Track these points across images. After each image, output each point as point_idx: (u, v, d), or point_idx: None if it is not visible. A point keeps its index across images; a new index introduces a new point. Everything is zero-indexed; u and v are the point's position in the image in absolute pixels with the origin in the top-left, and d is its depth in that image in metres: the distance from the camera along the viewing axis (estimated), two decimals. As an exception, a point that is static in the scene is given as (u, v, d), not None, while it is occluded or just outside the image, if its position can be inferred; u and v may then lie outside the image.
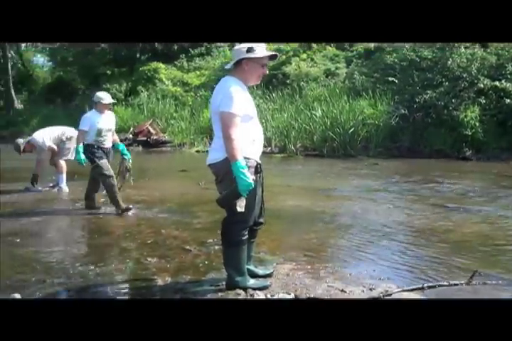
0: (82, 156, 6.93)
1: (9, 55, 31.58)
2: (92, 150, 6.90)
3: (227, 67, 3.72)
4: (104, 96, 7.03)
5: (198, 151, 16.45)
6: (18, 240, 5.45)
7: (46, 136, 8.98)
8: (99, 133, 6.93)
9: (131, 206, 6.88)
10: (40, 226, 6.22)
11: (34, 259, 4.80)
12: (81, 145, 6.95)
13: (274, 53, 3.69)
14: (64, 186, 8.89)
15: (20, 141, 9.19)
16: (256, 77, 3.67)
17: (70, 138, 9.03)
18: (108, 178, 6.84)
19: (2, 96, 32.26)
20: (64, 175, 8.93)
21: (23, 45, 37.82)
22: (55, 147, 8.94)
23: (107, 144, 7.08)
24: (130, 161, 7.21)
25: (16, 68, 33.59)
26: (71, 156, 8.96)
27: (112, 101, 7.19)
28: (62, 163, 8.91)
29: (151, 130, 18.41)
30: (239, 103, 3.43)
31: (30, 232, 5.89)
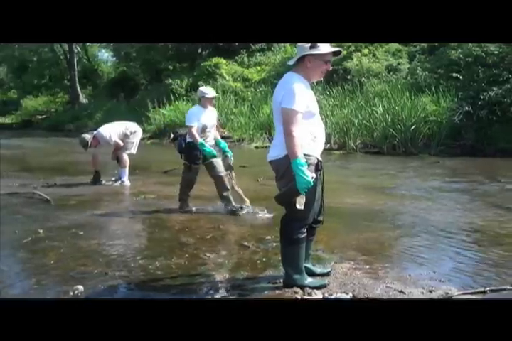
0: (210, 148, 6.56)
1: (75, 51, 32.39)
2: (195, 147, 6.58)
3: (290, 63, 3.68)
4: (208, 91, 6.73)
5: (256, 147, 16.48)
6: (82, 233, 5.59)
7: (112, 131, 9.16)
8: (203, 129, 6.66)
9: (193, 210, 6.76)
10: (102, 220, 6.36)
11: (96, 252, 4.92)
12: (201, 139, 6.53)
13: (337, 49, 3.64)
14: (126, 180, 9.07)
15: (87, 136, 9.36)
16: (319, 73, 3.63)
17: (134, 132, 9.21)
18: (221, 178, 6.74)
19: (68, 91, 33.16)
20: (126, 170, 9.11)
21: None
22: (121, 142, 9.10)
23: (211, 141, 6.79)
24: (232, 159, 6.86)
25: (82, 63, 34.45)
26: (133, 150, 9.14)
27: (215, 95, 6.93)
28: (126, 157, 9.07)
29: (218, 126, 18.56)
30: (301, 100, 3.41)
31: (93, 225, 6.04)
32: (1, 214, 6.75)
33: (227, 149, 6.81)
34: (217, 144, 6.91)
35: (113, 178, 9.36)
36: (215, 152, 6.62)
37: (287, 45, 23.23)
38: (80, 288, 3.80)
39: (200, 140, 6.51)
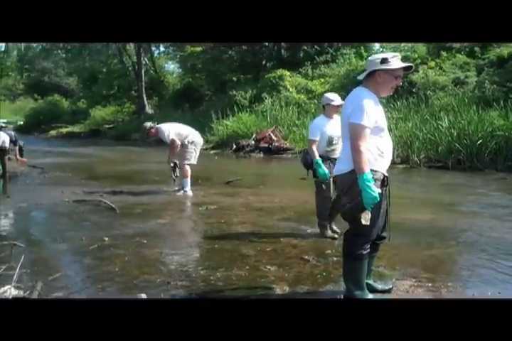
0: (325, 169, 5.68)
1: (143, 62, 33.19)
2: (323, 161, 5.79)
3: (360, 77, 3.68)
4: (334, 98, 5.96)
5: (318, 159, 16.42)
6: (146, 241, 5.71)
7: (172, 129, 9.26)
8: (330, 141, 5.90)
9: (336, 236, 5.89)
10: (165, 229, 6.48)
11: (159, 261, 5.01)
12: (318, 157, 5.77)
13: (409, 65, 3.61)
14: (189, 190, 9.18)
15: (148, 124, 9.60)
16: (389, 88, 3.62)
17: (192, 143, 9.25)
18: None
19: (135, 102, 33.96)
20: (188, 180, 9.22)
21: (156, 52, 39.74)
22: (178, 142, 9.09)
23: (338, 154, 5.52)
24: None
25: (149, 74, 35.24)
26: (194, 161, 9.23)
27: (342, 102, 5.80)
28: (187, 167, 9.19)
29: (273, 137, 18.63)
30: (369, 115, 3.41)
31: (156, 234, 6.16)
32: (68, 220, 6.99)
33: None
34: None
35: (176, 188, 9.49)
36: (328, 175, 5.67)
37: (352, 56, 23.13)
38: (143, 296, 3.88)
39: (317, 158, 5.77)
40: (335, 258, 4.94)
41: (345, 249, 3.69)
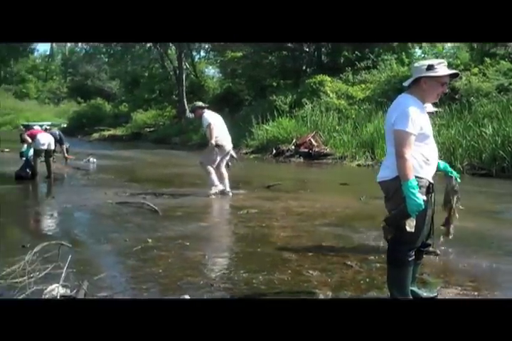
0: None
1: (184, 67, 33.52)
2: None
3: (406, 84, 3.66)
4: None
5: (359, 165, 16.34)
6: (188, 243, 5.76)
7: (214, 121, 9.36)
8: None
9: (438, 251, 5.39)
10: (207, 232, 6.54)
11: (202, 263, 5.07)
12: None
13: (455, 72, 3.59)
14: (219, 190, 9.29)
15: (200, 103, 9.99)
16: (434, 95, 3.60)
17: (218, 146, 9.25)
18: None
19: (176, 106, 34.30)
20: (212, 176, 9.26)
21: (197, 57, 40.11)
22: (213, 143, 9.15)
23: None
24: (458, 181, 4.61)
25: (190, 79, 35.55)
26: (211, 164, 9.26)
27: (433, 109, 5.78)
28: (207, 166, 9.27)
29: (313, 142, 18.58)
30: (415, 122, 3.39)
31: (198, 237, 6.21)
32: (112, 222, 7.10)
33: (450, 169, 4.49)
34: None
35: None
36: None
37: (393, 62, 22.92)
38: (187, 298, 3.92)
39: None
40: (378, 265, 4.91)
41: (389, 256, 3.67)
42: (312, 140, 18.67)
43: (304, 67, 27.36)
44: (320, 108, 20.98)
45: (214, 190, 9.22)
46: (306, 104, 21.57)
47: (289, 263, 5.05)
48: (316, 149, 18.23)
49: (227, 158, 9.66)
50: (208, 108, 9.88)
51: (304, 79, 24.31)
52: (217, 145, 9.25)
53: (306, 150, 18.37)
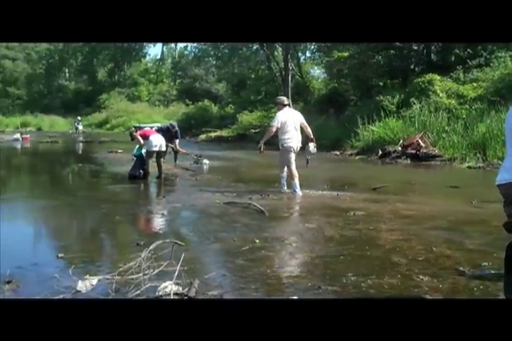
0: None
1: (290, 68, 33.69)
2: None
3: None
4: None
5: (469, 167, 15.74)
6: (295, 245, 5.80)
7: (282, 120, 9.71)
8: None
9: None
10: (313, 233, 6.52)
11: (309, 264, 5.07)
12: None
13: None
14: (298, 191, 9.57)
15: (283, 98, 10.49)
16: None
17: (282, 145, 9.70)
18: None
19: (281, 107, 34.53)
20: (296, 181, 9.61)
21: (302, 58, 40.20)
22: (272, 130, 9.76)
23: None
24: None
25: (295, 80, 35.68)
26: (282, 166, 9.81)
27: None
28: (287, 169, 9.72)
29: (421, 143, 18.10)
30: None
31: (304, 237, 6.23)
32: (220, 221, 7.25)
33: None
34: None
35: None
36: None
37: (508, 60, 21.88)
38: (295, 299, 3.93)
39: None
40: (492, 271, 4.71)
41: (507, 262, 3.50)
42: (420, 141, 18.19)
43: (412, 66, 26.72)
44: (429, 108, 20.39)
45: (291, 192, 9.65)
46: (414, 103, 21.04)
47: (399, 268, 4.94)
48: (424, 150, 17.74)
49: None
50: (285, 106, 10.16)
51: (412, 79, 23.73)
52: (281, 145, 9.69)
53: (414, 151, 17.93)
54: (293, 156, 9.69)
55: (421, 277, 4.60)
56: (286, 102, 10.22)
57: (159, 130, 13.04)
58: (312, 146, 10.19)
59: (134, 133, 12.39)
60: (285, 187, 9.81)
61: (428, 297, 4.04)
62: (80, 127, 43.61)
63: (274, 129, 9.70)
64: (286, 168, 9.74)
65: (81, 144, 29.53)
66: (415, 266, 4.99)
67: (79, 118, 45.43)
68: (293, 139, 9.70)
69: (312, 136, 10.21)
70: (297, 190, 9.52)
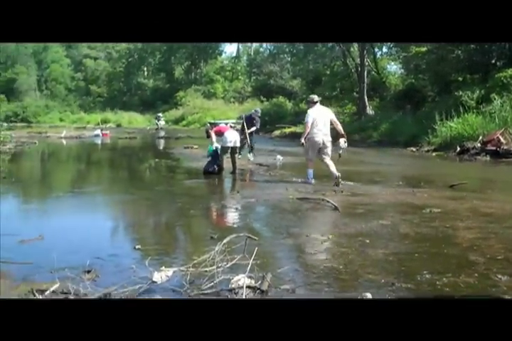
0: None
1: (366, 64, 33.24)
2: None
3: None
4: None
5: None
6: (368, 241, 5.72)
7: (314, 117, 10.42)
8: None
9: None
10: (387, 230, 6.42)
11: (383, 261, 5.00)
12: None
13: None
14: (310, 179, 10.46)
15: (314, 97, 11.07)
16: None
17: (306, 139, 10.48)
18: None
19: (356, 103, 34.15)
20: (309, 170, 10.52)
21: (379, 53, 39.59)
22: (308, 127, 10.43)
23: None
24: None
25: (371, 76, 35.18)
26: (308, 157, 10.64)
27: None
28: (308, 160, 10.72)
29: (502, 139, 17.46)
30: None
31: (379, 234, 6.15)
32: (293, 217, 7.26)
33: None
34: None
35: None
36: None
37: None
38: (369, 295, 3.89)
39: None
40: None
41: None
42: (501, 137, 17.56)
43: (494, 61, 25.79)
44: (510, 103, 19.63)
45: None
46: (495, 99, 20.29)
47: (476, 266, 4.80)
48: (505, 147, 17.10)
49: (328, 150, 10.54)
50: (315, 103, 10.81)
51: (493, 74, 22.90)
52: (307, 138, 10.41)
53: (494, 148, 17.31)
54: (315, 149, 10.44)
55: (499, 276, 4.46)
56: (316, 100, 10.85)
57: (240, 118, 13.52)
58: (342, 142, 10.80)
59: (210, 131, 12.57)
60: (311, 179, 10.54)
61: (506, 297, 3.91)
62: (162, 123, 44.50)
63: (309, 125, 10.36)
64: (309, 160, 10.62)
65: (158, 140, 30.17)
66: (494, 265, 4.84)
67: (160, 114, 46.26)
68: (319, 133, 10.36)
69: (343, 132, 10.74)
70: (310, 178, 10.47)
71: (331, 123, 10.56)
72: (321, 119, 10.37)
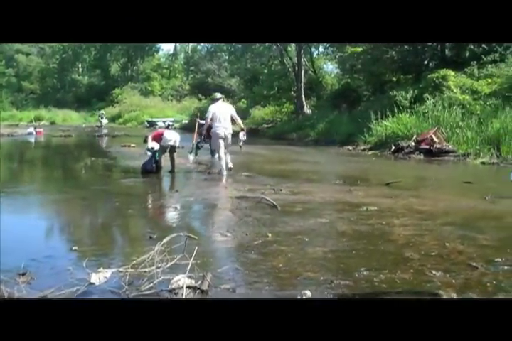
0: None
1: (303, 63, 33.58)
2: None
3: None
4: None
5: (483, 163, 15.62)
6: (307, 239, 5.79)
7: (212, 114, 11.77)
8: None
9: None
10: (325, 228, 6.51)
11: (322, 259, 5.06)
12: None
13: None
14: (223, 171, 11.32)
15: (217, 94, 12.39)
16: None
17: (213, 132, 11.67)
18: None
19: (293, 102, 34.46)
20: (222, 163, 11.51)
21: (315, 53, 40.06)
22: (205, 124, 12.33)
23: None
24: None
25: (308, 75, 35.56)
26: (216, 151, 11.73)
27: None
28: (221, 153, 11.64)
29: (435, 138, 17.98)
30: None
31: (317, 232, 6.22)
32: (232, 216, 7.27)
33: None
34: None
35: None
36: None
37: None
38: (308, 293, 3.93)
39: None
40: (505, 267, 4.70)
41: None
42: (433, 136, 18.08)
43: (426, 62, 26.56)
44: (442, 103, 20.23)
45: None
46: (428, 99, 20.88)
47: (411, 263, 4.93)
48: (438, 146, 17.62)
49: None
50: (217, 100, 12.17)
51: (426, 74, 23.55)
52: (212, 133, 11.70)
53: (427, 146, 17.81)
54: (221, 142, 11.57)
55: (433, 272, 4.59)
56: (218, 97, 12.28)
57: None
58: (242, 135, 12.63)
59: (148, 137, 12.26)
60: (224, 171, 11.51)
61: (440, 292, 4.03)
62: (105, 121, 43.49)
63: (208, 120, 11.88)
64: (218, 152, 11.74)
65: (94, 138, 29.60)
66: (428, 261, 4.98)
67: (102, 112, 45.27)
68: (220, 127, 11.57)
69: (242, 126, 12.68)
70: (222, 171, 11.41)
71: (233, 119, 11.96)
72: (222, 115, 11.62)
